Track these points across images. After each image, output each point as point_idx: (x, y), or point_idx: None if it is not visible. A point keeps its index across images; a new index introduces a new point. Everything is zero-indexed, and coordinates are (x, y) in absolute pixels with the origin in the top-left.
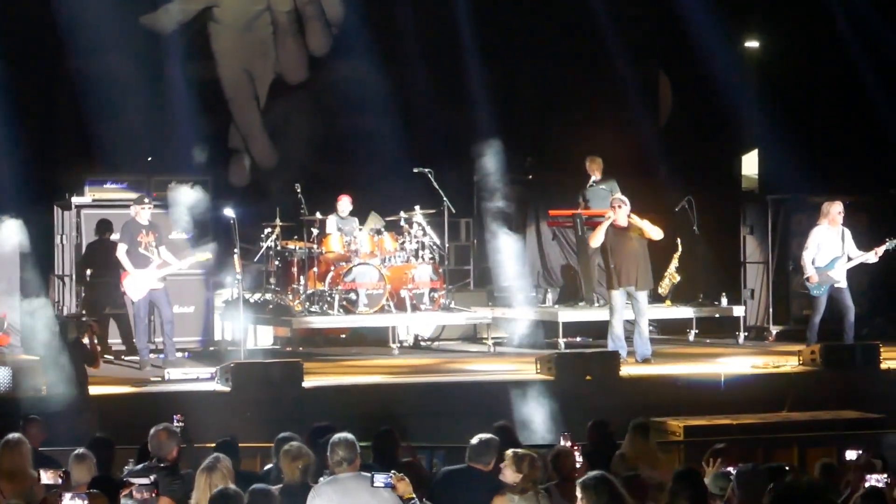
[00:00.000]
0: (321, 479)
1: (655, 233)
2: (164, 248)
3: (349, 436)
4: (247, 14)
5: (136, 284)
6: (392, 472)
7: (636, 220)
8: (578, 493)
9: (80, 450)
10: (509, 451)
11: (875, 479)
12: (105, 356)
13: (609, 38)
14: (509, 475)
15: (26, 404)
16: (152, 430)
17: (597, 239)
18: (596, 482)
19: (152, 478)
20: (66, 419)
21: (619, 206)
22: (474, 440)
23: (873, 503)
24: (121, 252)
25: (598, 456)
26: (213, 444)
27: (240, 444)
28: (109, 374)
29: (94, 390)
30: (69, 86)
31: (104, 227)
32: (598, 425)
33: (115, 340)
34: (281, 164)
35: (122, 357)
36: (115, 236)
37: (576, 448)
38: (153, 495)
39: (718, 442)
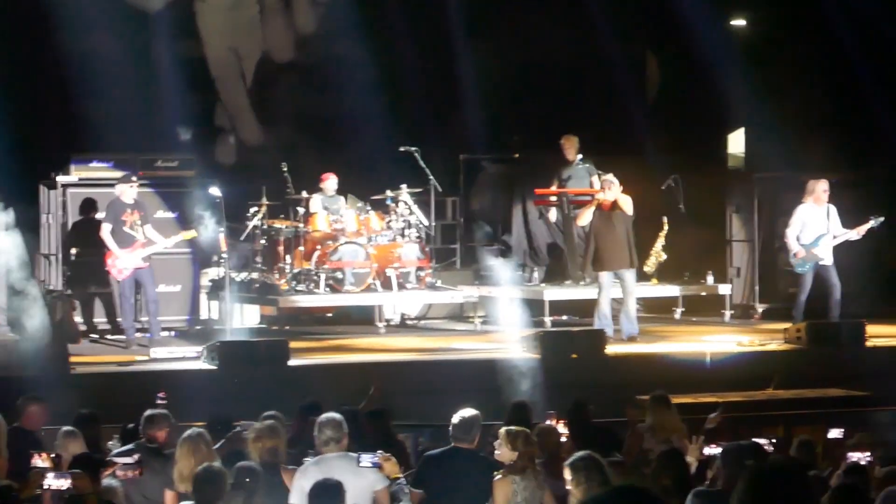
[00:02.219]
0: (307, 459)
1: (627, 205)
2: (150, 227)
3: (337, 416)
4: None
5: (121, 263)
6: (379, 451)
7: (617, 194)
8: (567, 475)
9: (69, 427)
10: (502, 430)
11: (857, 457)
12: (90, 335)
13: (596, 15)
14: (505, 454)
15: (11, 384)
16: (146, 412)
17: (584, 218)
18: (585, 463)
19: (136, 456)
20: (49, 398)
21: (609, 188)
22: (456, 418)
23: (856, 478)
24: (105, 232)
25: (579, 434)
26: (201, 424)
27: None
28: (95, 353)
29: (79, 369)
30: (55, 64)
31: (89, 206)
32: (577, 406)
33: (100, 319)
34: (267, 142)
35: (107, 336)
36: (100, 215)
37: (561, 423)
38: (137, 474)
39: (705, 420)
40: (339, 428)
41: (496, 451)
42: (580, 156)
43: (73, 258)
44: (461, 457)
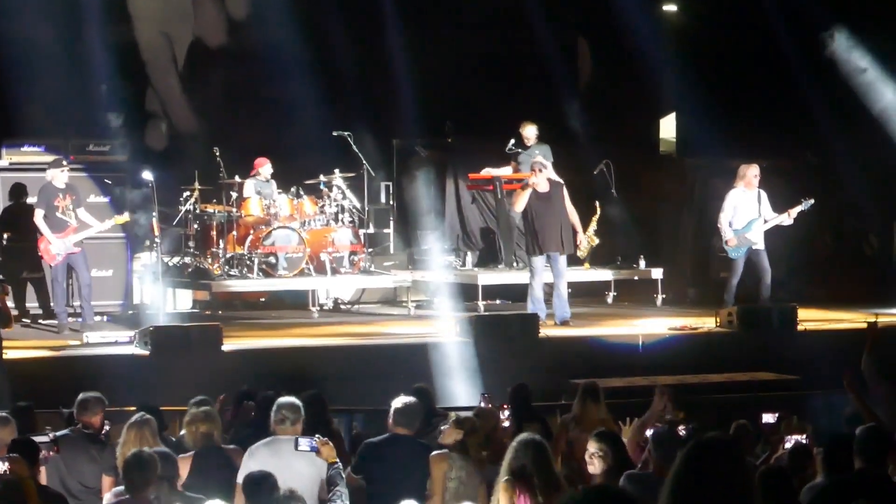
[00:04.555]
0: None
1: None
2: (83, 210)
3: (294, 399)
4: None
5: (54, 248)
6: (316, 436)
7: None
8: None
9: (2, 413)
10: (452, 415)
11: (794, 440)
12: (23, 320)
13: (527, 2)
14: (451, 436)
15: None
16: (79, 396)
17: (519, 204)
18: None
19: (51, 435)
20: None
21: (540, 171)
22: (398, 404)
23: (800, 460)
24: (38, 217)
25: (521, 418)
26: (133, 408)
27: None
28: (27, 338)
29: (11, 354)
30: None
31: (19, 190)
32: (519, 389)
33: (32, 304)
34: (199, 127)
35: (40, 321)
36: (31, 200)
37: (504, 408)
38: (55, 452)
39: (635, 403)
40: (296, 410)
41: (442, 436)
42: (528, 142)
43: (4, 243)
44: (402, 443)
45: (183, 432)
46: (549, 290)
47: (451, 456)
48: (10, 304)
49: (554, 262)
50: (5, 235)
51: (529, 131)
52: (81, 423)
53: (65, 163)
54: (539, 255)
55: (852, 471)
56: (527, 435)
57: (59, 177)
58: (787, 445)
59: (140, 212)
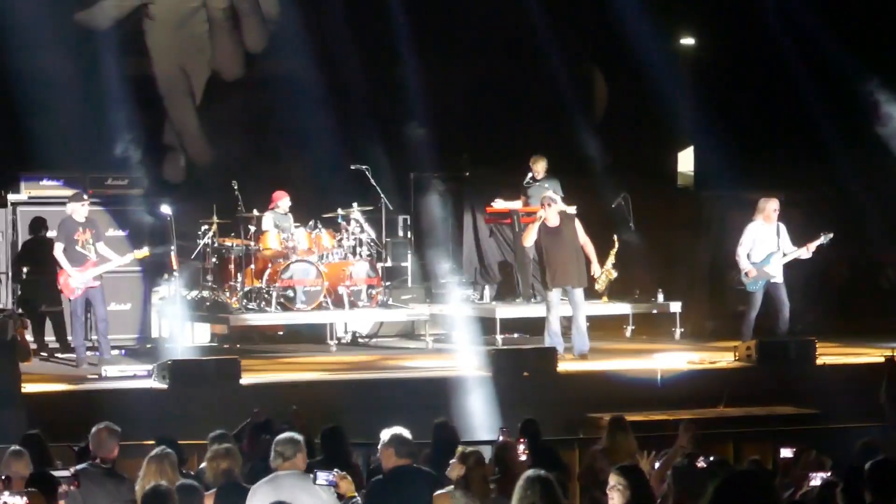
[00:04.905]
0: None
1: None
2: (103, 244)
3: (295, 435)
4: (182, 10)
5: (73, 282)
6: (335, 469)
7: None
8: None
9: (16, 447)
10: (459, 448)
11: (819, 477)
12: (41, 354)
13: (543, 34)
14: (455, 470)
15: None
16: (93, 429)
17: (529, 238)
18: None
19: (71, 470)
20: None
21: (549, 205)
22: (393, 437)
23: (829, 497)
24: (58, 251)
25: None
26: (151, 442)
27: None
28: (45, 372)
29: (29, 388)
30: (2, 82)
31: (39, 224)
32: (528, 424)
33: (49, 338)
34: (216, 160)
35: (58, 355)
36: (50, 233)
37: (521, 442)
38: (73, 487)
39: (654, 437)
40: (294, 445)
41: (449, 470)
42: (537, 176)
43: (23, 276)
44: (408, 475)
45: (203, 466)
46: (568, 323)
47: (453, 494)
48: (28, 337)
49: (570, 295)
50: (25, 269)
51: (539, 166)
52: (99, 457)
53: (84, 197)
54: (554, 290)
55: None
56: (532, 472)
57: (79, 210)
58: (813, 482)
59: (158, 245)
